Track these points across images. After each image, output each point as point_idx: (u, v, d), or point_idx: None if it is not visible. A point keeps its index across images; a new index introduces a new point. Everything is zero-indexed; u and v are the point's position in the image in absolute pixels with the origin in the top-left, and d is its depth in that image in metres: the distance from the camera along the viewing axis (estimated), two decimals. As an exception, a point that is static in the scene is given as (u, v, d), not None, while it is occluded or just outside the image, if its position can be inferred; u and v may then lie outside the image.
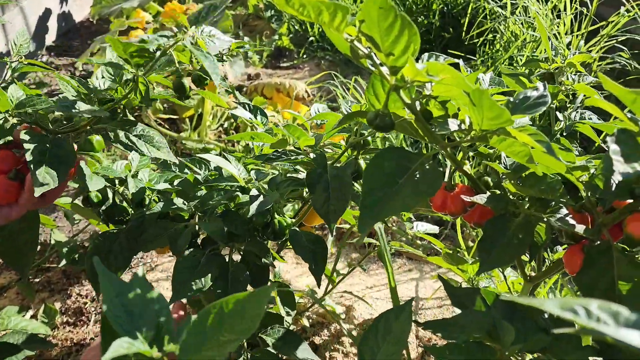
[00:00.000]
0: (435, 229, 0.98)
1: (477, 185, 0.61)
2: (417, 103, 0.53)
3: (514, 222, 0.57)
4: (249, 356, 0.82)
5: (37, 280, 1.33)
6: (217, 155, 0.84)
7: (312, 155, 0.72)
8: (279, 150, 0.75)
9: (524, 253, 0.59)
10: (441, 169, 0.55)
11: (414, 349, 1.14)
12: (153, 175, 0.82)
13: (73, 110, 0.68)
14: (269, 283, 0.89)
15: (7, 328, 0.90)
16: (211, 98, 0.86)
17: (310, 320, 1.15)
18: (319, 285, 0.70)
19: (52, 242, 1.27)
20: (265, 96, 2.04)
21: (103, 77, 0.80)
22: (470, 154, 0.61)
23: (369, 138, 0.69)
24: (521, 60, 1.99)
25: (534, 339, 0.50)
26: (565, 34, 1.83)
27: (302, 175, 0.79)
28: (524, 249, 0.56)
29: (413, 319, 1.34)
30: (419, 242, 1.11)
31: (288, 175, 0.84)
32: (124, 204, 0.81)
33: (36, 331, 0.92)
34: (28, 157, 0.66)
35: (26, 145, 0.67)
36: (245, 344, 0.84)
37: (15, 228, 0.78)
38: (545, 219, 0.55)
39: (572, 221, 0.54)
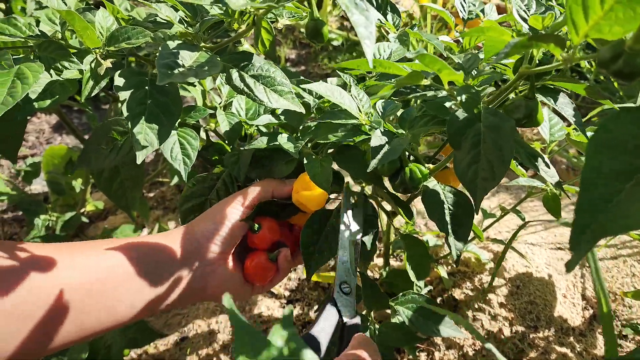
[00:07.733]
0: None
1: None
2: None
3: None
4: (376, 329, 0.67)
5: (151, 195, 1.28)
6: (336, 78, 0.62)
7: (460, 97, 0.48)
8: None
9: None
10: None
11: (579, 312, 0.91)
12: (250, 103, 0.64)
13: (177, 71, 0.47)
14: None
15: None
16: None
17: (449, 268, 0.95)
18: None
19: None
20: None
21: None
22: None
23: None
24: None
25: None
26: None
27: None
28: None
29: (579, 271, 1.08)
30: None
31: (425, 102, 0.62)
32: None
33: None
34: (124, 109, 0.50)
35: (121, 94, 0.51)
36: (373, 315, 0.68)
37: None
38: None
39: None
